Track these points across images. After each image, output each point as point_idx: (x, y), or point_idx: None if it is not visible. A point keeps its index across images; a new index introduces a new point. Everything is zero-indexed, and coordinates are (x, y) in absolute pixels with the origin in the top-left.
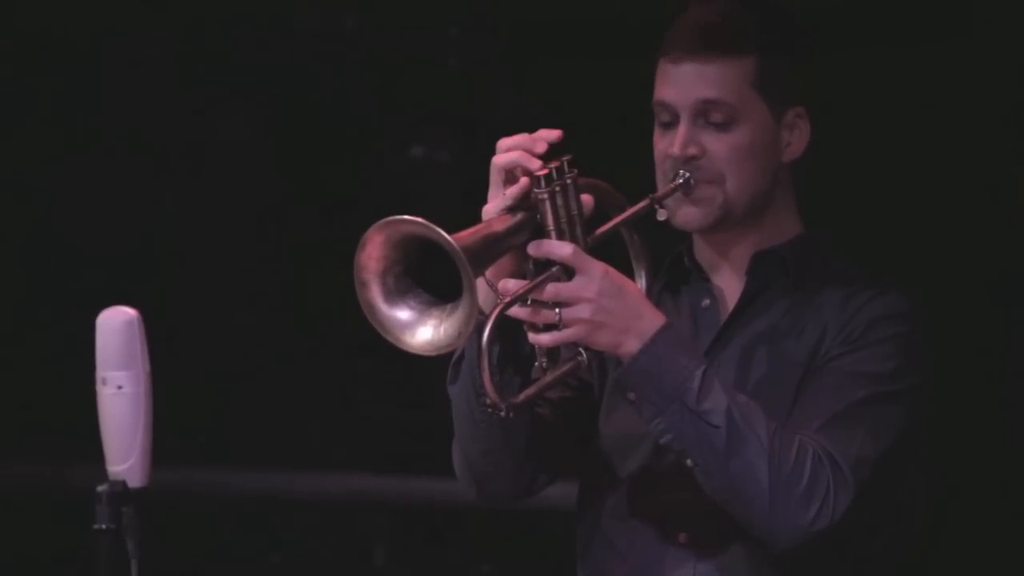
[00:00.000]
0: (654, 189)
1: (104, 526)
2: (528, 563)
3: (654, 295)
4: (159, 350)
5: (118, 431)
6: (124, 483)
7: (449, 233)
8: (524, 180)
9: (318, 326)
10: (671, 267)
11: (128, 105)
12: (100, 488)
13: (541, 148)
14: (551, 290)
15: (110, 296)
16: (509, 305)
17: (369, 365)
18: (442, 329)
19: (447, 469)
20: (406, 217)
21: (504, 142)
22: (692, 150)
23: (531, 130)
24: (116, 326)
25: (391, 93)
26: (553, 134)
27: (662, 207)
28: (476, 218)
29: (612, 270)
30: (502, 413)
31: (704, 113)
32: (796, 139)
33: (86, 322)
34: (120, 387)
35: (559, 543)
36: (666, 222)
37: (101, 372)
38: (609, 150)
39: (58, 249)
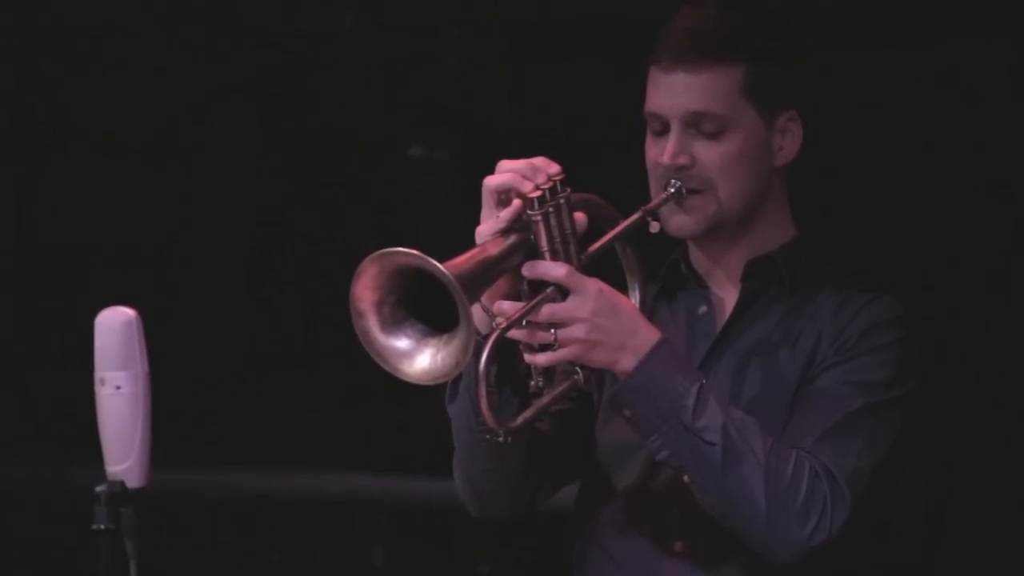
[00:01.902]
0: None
1: (103, 526)
2: (528, 563)
3: (649, 303)
4: (159, 350)
5: (117, 431)
6: (123, 483)
7: (443, 260)
8: (517, 202)
9: (318, 326)
10: (667, 273)
11: (128, 104)
12: (99, 488)
13: (539, 179)
14: (546, 311)
15: (110, 296)
16: (506, 330)
17: (369, 365)
18: (439, 358)
19: (447, 469)
20: (400, 249)
21: (504, 164)
22: (683, 160)
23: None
24: (115, 326)
25: (391, 93)
26: (552, 167)
27: (655, 219)
28: (475, 216)
29: (606, 288)
30: (500, 438)
31: (695, 123)
32: (788, 143)
33: (86, 322)
34: (119, 387)
35: (558, 544)
36: (660, 230)
37: (100, 372)
38: (608, 149)
39: (58, 249)
